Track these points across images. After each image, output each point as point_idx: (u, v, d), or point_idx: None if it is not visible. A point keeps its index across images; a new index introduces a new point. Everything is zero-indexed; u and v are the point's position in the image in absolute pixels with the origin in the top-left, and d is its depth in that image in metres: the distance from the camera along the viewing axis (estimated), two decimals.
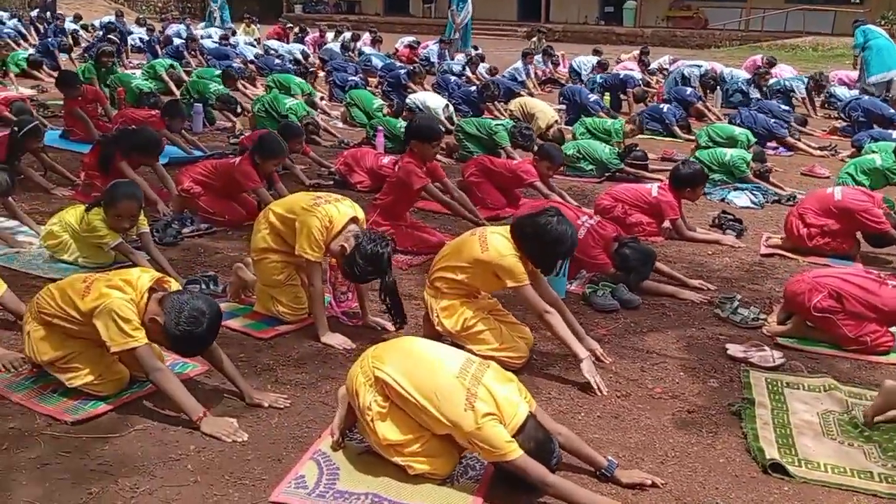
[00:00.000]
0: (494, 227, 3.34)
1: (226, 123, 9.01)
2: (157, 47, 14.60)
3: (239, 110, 9.06)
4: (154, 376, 2.79)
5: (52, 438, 2.68)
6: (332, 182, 6.62)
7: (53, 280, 4.11)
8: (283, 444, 2.74)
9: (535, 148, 7.67)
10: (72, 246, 4.37)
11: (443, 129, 5.26)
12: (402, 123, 8.24)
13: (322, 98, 10.86)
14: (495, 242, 3.20)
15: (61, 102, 9.56)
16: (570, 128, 9.18)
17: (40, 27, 18.27)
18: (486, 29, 27.15)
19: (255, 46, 16.96)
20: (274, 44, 17.02)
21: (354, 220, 3.55)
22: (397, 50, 17.78)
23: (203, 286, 4.05)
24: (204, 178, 5.31)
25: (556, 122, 8.92)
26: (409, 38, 19.08)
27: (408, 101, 9.70)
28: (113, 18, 18.61)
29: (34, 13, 19.82)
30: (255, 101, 8.79)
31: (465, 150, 7.79)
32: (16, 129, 5.84)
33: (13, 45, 14.13)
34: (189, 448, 2.67)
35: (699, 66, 12.54)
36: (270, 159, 5.19)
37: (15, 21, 17.57)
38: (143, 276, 2.86)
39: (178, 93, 10.85)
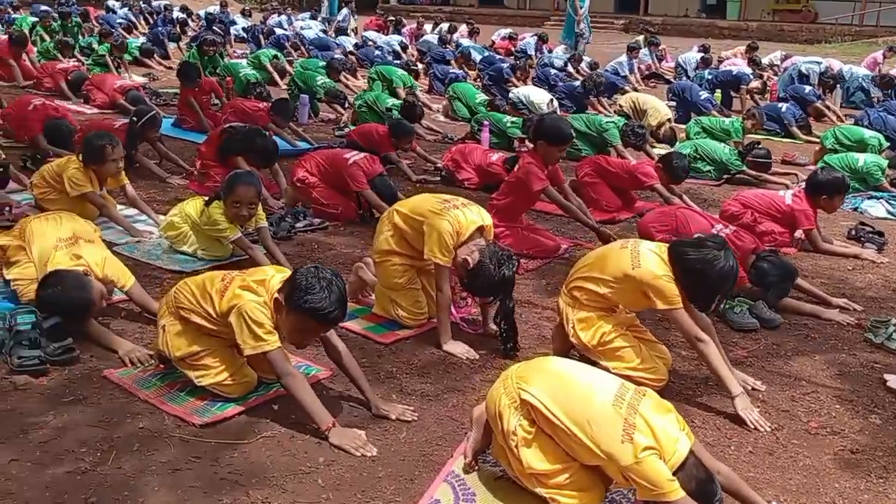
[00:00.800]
0: (646, 243, 3.10)
1: (330, 115, 9.01)
2: (261, 37, 14.83)
3: (346, 104, 9.04)
4: (286, 381, 2.69)
5: (181, 441, 2.62)
6: (438, 178, 6.49)
7: (174, 271, 4.17)
8: (413, 461, 2.60)
9: (648, 147, 7.41)
10: (191, 237, 4.37)
11: (573, 132, 4.99)
12: (507, 118, 8.05)
13: (423, 91, 10.79)
14: (648, 260, 2.96)
15: (173, 91, 9.86)
16: (681, 126, 8.79)
17: (149, 17, 18.94)
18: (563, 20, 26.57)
19: (353, 37, 17.10)
20: (373, 35, 17.06)
21: (481, 229, 3.38)
22: (494, 42, 17.56)
23: None
24: (318, 169, 5.25)
25: (669, 119, 8.53)
26: (505, 31, 18.81)
27: (511, 95, 9.49)
28: (216, 8, 19.09)
29: (141, 2, 20.55)
30: (357, 97, 8.76)
31: (574, 148, 7.50)
32: (135, 118, 5.94)
33: (124, 34, 14.64)
34: (318, 460, 2.56)
35: (818, 63, 11.82)
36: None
37: (125, 10, 18.22)
38: (276, 277, 2.77)
39: (282, 83, 11.01)
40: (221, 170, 5.57)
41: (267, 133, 6.03)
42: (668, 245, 3.03)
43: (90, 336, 3.25)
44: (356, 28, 19.02)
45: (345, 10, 19.15)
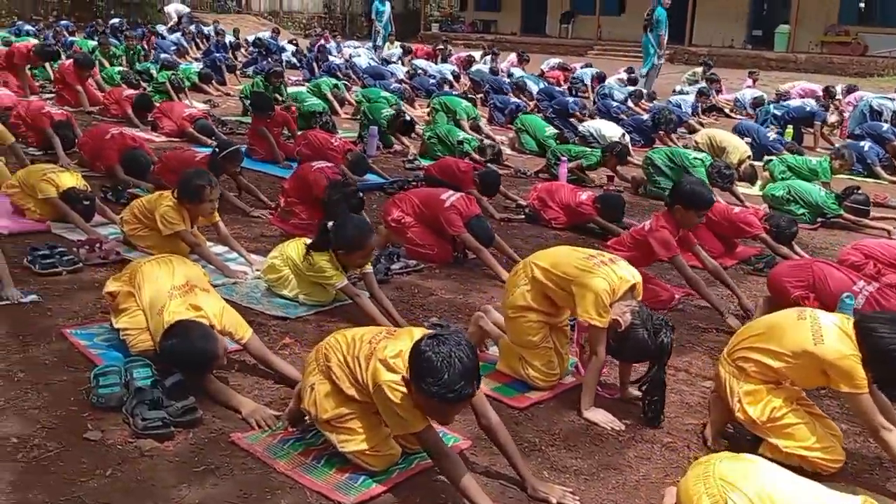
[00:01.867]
0: (827, 315, 2.82)
1: (396, 146, 8.82)
2: (314, 65, 14.80)
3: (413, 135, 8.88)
4: (441, 463, 2.45)
5: None
6: (522, 217, 6.27)
7: (277, 317, 3.97)
8: None
9: (734, 187, 7.14)
10: (292, 282, 4.18)
11: (714, 196, 4.69)
12: (581, 149, 7.84)
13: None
14: (833, 336, 2.68)
15: (236, 118, 9.79)
16: (758, 163, 8.50)
17: (199, 41, 19.08)
18: (625, 50, 26.43)
19: (402, 65, 17.03)
20: (422, 63, 16.98)
21: (632, 287, 3.14)
22: (543, 71, 17.40)
23: None
24: (413, 210, 5.05)
25: (749, 157, 8.25)
26: (555, 60, 18.70)
27: (581, 128, 9.29)
28: (266, 34, 19.18)
29: (192, 27, 20.75)
30: (426, 129, 8.60)
31: (655, 186, 7.28)
32: (217, 150, 5.80)
33: (177, 59, 14.70)
34: None
35: (891, 100, 11.46)
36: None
37: (177, 35, 18.36)
38: None
39: (341, 112, 10.92)
40: (306, 209, 5.40)
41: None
42: (853, 319, 2.75)
43: (209, 393, 3.04)
44: (401, 57, 18.99)
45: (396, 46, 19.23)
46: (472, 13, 32.71)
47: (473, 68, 15.99)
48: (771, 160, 8.44)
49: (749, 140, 9.26)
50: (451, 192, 5.17)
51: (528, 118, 9.45)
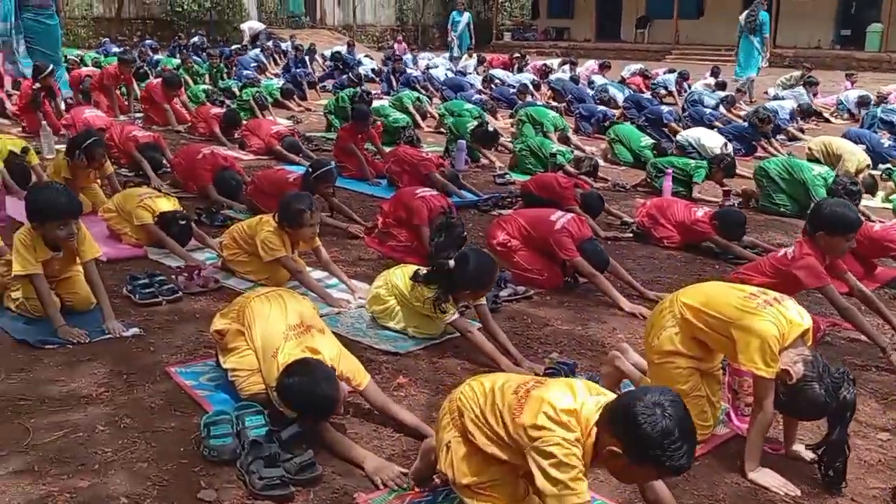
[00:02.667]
0: None
1: (484, 160, 8.51)
2: (393, 78, 14.67)
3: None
4: None
5: None
6: (630, 235, 5.85)
7: (387, 352, 3.68)
8: None
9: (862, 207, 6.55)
10: (399, 313, 3.89)
11: (861, 218, 4.17)
12: (692, 162, 7.36)
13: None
14: None
15: (321, 135, 9.66)
16: (875, 172, 7.85)
17: (278, 56, 19.26)
18: (704, 53, 25.56)
19: (477, 75, 16.74)
20: (500, 73, 16.67)
21: (804, 333, 2.72)
22: (624, 78, 16.85)
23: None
24: (520, 232, 4.73)
25: (868, 165, 7.63)
26: (635, 66, 18.10)
27: (679, 137, 8.79)
28: (341, 48, 19.22)
29: (270, 43, 20.99)
30: (517, 142, 8.27)
31: (770, 202, 6.75)
32: (309, 169, 5.60)
33: (257, 75, 14.79)
34: None
35: None
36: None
37: (256, 51, 18.57)
38: (588, 405, 2.16)
39: (423, 125, 10.70)
40: (405, 232, 5.13)
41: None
42: None
43: (327, 443, 2.77)
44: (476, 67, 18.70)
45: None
46: (544, 21, 32.32)
47: (553, 77, 15.55)
48: (890, 169, 7.80)
49: (863, 147, 8.59)
50: (560, 212, 4.82)
51: (622, 128, 9.00)
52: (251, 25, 21.73)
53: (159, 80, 9.66)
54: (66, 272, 3.85)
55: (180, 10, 23.16)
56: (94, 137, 5.57)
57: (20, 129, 8.69)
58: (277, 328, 2.99)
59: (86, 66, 13.65)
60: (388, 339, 3.82)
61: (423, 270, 3.78)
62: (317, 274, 4.63)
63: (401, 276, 3.93)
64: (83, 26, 21.67)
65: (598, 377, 3.23)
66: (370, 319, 4.04)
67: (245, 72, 14.64)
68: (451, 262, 3.54)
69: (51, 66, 8.50)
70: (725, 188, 6.73)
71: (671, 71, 16.86)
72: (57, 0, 9.42)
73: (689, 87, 14.76)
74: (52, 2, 9.53)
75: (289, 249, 4.30)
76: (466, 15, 20.04)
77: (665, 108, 10.53)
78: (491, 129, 8.23)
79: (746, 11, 14.93)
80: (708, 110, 11.26)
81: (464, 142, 8.06)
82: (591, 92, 13.20)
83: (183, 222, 4.90)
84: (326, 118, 10.16)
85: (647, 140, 8.74)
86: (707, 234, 5.46)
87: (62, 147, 7.85)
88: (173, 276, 4.33)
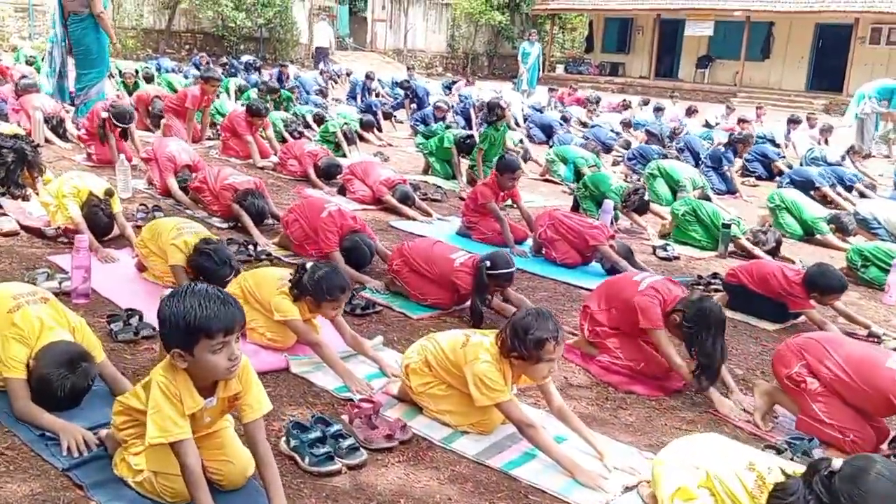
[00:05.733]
0: None
1: (623, 221, 7.17)
2: (471, 111, 13.39)
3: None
4: None
5: None
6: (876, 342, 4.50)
7: None
8: None
9: None
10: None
11: None
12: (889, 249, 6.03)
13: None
14: None
15: (420, 178, 8.38)
16: None
17: (333, 81, 18.09)
18: (766, 97, 24.23)
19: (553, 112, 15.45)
20: (577, 111, 15.38)
21: None
22: (711, 125, 15.53)
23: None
24: (834, 375, 3.37)
25: None
26: (720, 108, 16.79)
27: (861, 211, 7.43)
28: (407, 76, 18.04)
29: (320, 66, 19.86)
30: (676, 204, 6.94)
31: None
32: (487, 263, 4.24)
33: (323, 100, 13.57)
34: None
35: None
36: None
37: (314, 75, 17.43)
38: None
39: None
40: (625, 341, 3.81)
41: None
42: None
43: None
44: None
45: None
46: (598, 55, 31.18)
47: (643, 120, 14.23)
48: None
49: None
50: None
51: (787, 193, 7.62)
52: (318, 42, 20.35)
53: (244, 108, 8.38)
54: (212, 427, 2.53)
55: (232, 25, 22.12)
56: None
57: (85, 156, 7.44)
58: None
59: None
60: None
61: None
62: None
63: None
64: (132, 37, 20.63)
65: None
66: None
67: (312, 97, 13.48)
68: None
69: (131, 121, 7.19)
70: None
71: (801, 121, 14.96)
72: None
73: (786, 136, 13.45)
74: (86, 7, 8.28)
75: (305, 314, 3.51)
76: (537, 46, 18.95)
77: (815, 171, 9.14)
78: (646, 196, 6.90)
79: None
80: (849, 173, 9.82)
81: (610, 203, 6.73)
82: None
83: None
84: (426, 159, 8.86)
85: (814, 209, 7.39)
86: None
87: (140, 184, 6.67)
88: (347, 420, 3.00)
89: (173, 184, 6.13)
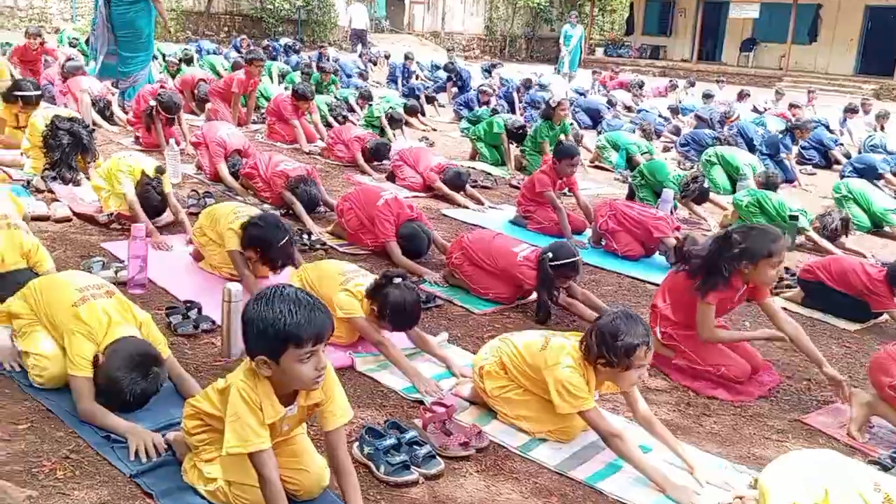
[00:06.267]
0: None
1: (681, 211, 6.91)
2: (516, 96, 13.11)
3: None
4: None
5: None
6: None
7: None
8: None
9: None
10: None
11: None
12: None
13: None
14: None
15: (465, 164, 8.18)
16: None
17: (372, 63, 17.89)
18: (813, 81, 23.48)
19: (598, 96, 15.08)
20: (621, 95, 15.00)
21: None
22: (759, 110, 15.05)
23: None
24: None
25: None
26: (769, 93, 16.28)
27: None
28: (449, 59, 17.75)
29: (358, 48, 19.64)
30: (739, 194, 6.67)
31: None
32: (549, 254, 4.06)
33: (364, 83, 13.37)
34: None
35: None
36: None
37: (354, 57, 17.26)
38: None
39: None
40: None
41: None
42: None
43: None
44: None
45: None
46: (639, 38, 30.55)
47: (691, 104, 13.82)
48: None
49: None
50: None
51: (854, 184, 7.29)
52: (354, 24, 20.08)
53: (289, 92, 8.24)
54: (288, 435, 2.39)
55: (271, 7, 22.00)
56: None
57: (133, 139, 7.37)
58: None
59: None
60: None
61: None
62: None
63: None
64: (172, 19, 20.59)
65: None
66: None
67: (353, 80, 13.31)
68: None
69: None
70: None
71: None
72: None
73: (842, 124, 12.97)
74: None
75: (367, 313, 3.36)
76: (579, 29, 18.50)
77: (879, 158, 8.77)
78: (706, 184, 6.62)
79: None
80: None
81: (670, 192, 6.48)
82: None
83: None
84: (473, 145, 8.65)
85: (883, 200, 7.05)
86: None
87: (189, 169, 6.58)
88: (420, 425, 2.85)
89: (224, 169, 6.01)
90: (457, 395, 3.18)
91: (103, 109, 7.99)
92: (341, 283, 3.42)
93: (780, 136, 9.31)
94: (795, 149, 9.96)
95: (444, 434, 2.79)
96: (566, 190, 6.25)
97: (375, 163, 7.42)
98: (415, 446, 2.66)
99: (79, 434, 2.59)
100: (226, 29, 22.04)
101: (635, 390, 2.86)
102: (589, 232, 5.83)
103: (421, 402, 3.05)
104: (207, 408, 2.28)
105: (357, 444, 2.66)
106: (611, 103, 13.42)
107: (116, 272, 4.00)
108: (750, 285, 3.55)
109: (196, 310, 3.64)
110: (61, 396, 2.75)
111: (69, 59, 9.49)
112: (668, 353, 3.70)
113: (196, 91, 9.12)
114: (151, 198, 4.79)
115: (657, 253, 5.42)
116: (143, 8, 8.35)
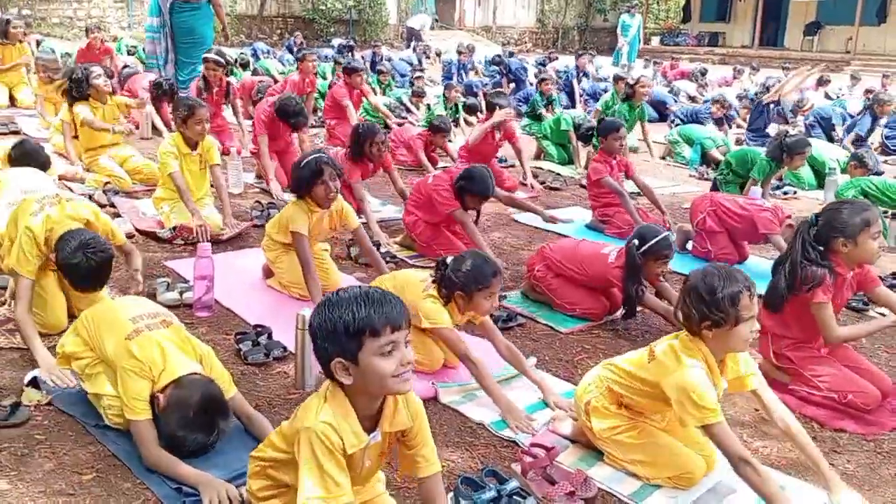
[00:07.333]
0: None
1: None
2: (574, 82, 12.66)
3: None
4: None
5: None
6: None
7: None
8: None
9: None
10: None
11: None
12: None
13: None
14: None
15: (534, 165, 7.84)
16: None
17: (422, 59, 17.63)
18: (885, 64, 22.34)
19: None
20: (684, 85, 14.43)
21: None
22: (838, 96, 14.28)
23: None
24: None
25: None
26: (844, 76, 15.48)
27: None
28: (503, 53, 17.40)
29: (412, 43, 19.40)
30: (844, 185, 6.19)
31: None
32: (637, 241, 3.75)
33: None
34: None
35: None
36: None
37: (408, 53, 17.02)
38: None
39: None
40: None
41: None
42: None
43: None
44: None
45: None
46: (696, 25, 29.64)
47: (748, 91, 13.16)
48: None
49: None
50: None
51: None
52: (422, 20, 19.80)
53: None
54: (367, 481, 2.10)
55: (323, 7, 21.95)
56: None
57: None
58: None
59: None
60: None
61: None
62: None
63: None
64: (227, 24, 20.70)
65: None
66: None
67: (406, 78, 13.07)
68: None
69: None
70: None
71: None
72: None
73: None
74: None
75: (457, 318, 3.08)
76: (638, 18, 17.97)
77: None
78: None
79: None
80: None
81: (758, 189, 6.04)
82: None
83: None
84: (537, 144, 8.30)
85: None
86: None
87: (250, 178, 6.40)
88: (519, 471, 2.55)
89: (264, 143, 5.91)
90: (554, 431, 2.86)
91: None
92: (424, 290, 3.13)
93: (860, 116, 8.75)
94: (878, 135, 9.36)
95: (548, 482, 2.48)
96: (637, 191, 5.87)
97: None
98: (516, 497, 2.36)
99: (147, 485, 2.36)
100: (279, 31, 22.06)
101: (768, 390, 2.53)
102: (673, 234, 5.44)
103: (514, 442, 2.75)
104: (272, 454, 2.01)
105: (452, 496, 2.38)
106: (673, 94, 12.89)
107: (182, 293, 3.80)
108: (856, 270, 3.19)
109: (266, 335, 3.40)
110: (128, 439, 2.54)
111: (125, 66, 9.46)
112: (784, 378, 3.32)
113: (256, 95, 8.94)
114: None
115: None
116: (206, 13, 8.24)
